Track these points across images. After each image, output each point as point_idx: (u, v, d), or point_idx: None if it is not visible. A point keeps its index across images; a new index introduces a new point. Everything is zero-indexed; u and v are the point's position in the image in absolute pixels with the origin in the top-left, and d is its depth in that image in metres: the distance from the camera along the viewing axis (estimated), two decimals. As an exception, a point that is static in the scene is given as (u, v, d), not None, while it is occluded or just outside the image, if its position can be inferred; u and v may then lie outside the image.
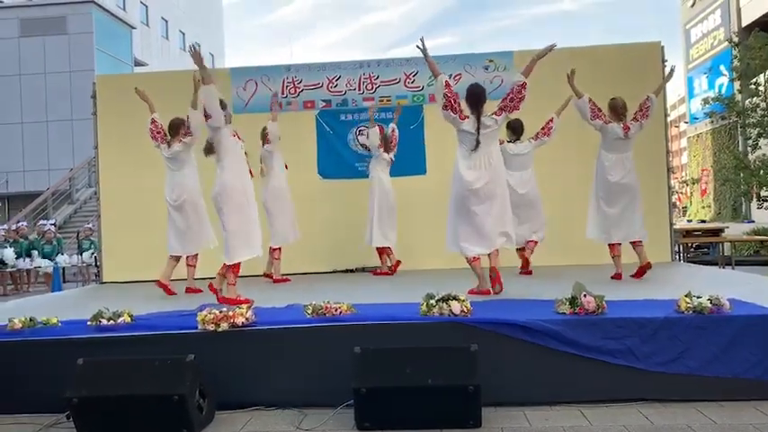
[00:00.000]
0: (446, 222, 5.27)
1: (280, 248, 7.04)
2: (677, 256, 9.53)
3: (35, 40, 23.01)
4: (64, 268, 13.51)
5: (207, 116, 5.02)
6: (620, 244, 5.95)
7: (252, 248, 5.12)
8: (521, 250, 6.52)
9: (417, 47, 5.09)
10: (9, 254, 13.19)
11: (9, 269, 13.17)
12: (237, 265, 5.13)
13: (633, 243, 5.90)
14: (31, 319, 4.01)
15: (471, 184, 4.94)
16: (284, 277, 7.10)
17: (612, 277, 5.84)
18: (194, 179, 6.09)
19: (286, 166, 7.14)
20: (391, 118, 7.84)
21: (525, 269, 6.53)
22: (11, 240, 13.62)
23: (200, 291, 6.00)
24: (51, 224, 14.73)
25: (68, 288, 11.14)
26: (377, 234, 7.20)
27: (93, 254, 13.60)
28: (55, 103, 22.60)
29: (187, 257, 6.24)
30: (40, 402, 3.68)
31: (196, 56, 4.99)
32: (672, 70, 6.57)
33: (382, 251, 7.40)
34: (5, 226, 14.89)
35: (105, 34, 23.64)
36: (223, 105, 5.14)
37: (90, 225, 15.23)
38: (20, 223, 15.02)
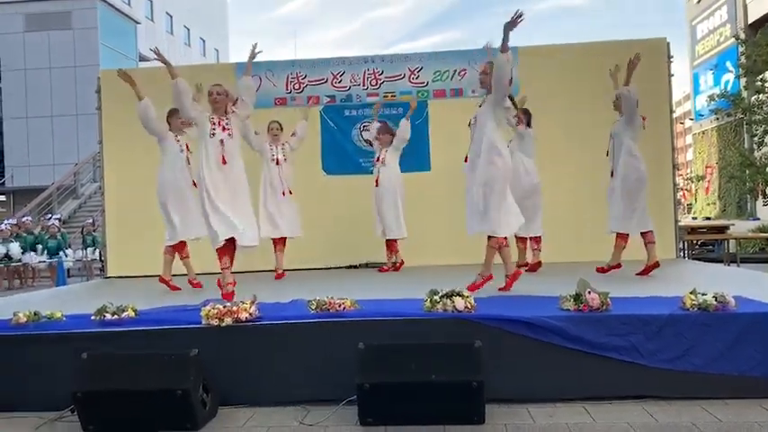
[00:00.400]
0: (492, 209, 4.85)
1: (274, 241, 6.99)
2: (682, 253, 9.51)
3: (40, 35, 23.08)
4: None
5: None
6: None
7: (214, 238, 5.07)
8: (522, 240, 6.49)
9: (507, 24, 4.54)
10: (15, 248, 13.26)
11: (14, 263, 13.24)
12: (220, 253, 5.14)
13: (646, 240, 5.88)
14: (35, 314, 4.02)
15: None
16: (279, 272, 7.02)
17: (612, 268, 5.83)
18: (168, 171, 6.02)
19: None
20: (396, 113, 7.83)
21: (534, 267, 6.49)
22: (16, 235, 13.69)
23: (200, 285, 6.01)
24: (56, 218, 14.77)
25: (73, 283, 11.16)
26: (404, 225, 7.16)
27: (95, 249, 13.66)
28: (60, 98, 22.67)
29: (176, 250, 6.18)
30: (44, 396, 3.69)
31: (159, 56, 5.20)
32: (637, 57, 5.85)
33: (394, 246, 7.36)
34: (12, 220, 14.96)
35: (110, 29, 23.69)
36: (210, 94, 5.18)
37: (90, 220, 15.27)
38: (24, 218, 15.07)
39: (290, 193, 6.99)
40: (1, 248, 13.11)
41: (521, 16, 4.47)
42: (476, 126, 4.97)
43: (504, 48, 4.54)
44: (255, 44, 5.48)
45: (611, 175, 5.98)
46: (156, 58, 5.25)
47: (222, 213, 4.99)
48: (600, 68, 6.82)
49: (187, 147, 6.11)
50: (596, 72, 6.59)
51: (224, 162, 5.03)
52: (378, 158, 7.32)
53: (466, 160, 5.03)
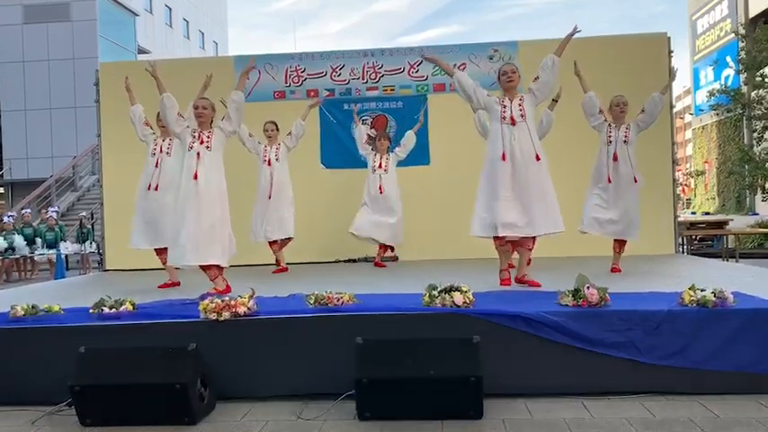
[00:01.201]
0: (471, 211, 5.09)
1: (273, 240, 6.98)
2: (681, 249, 9.51)
3: (38, 27, 22.97)
4: (67, 256, 13.57)
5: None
6: None
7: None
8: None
9: (566, 36, 5.01)
10: (19, 240, 13.27)
11: (14, 256, 13.25)
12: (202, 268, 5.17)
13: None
14: (33, 307, 4.01)
15: None
16: (280, 266, 7.04)
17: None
18: (143, 174, 6.03)
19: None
20: (395, 108, 7.81)
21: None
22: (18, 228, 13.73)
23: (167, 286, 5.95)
24: (54, 210, 14.79)
25: (71, 276, 11.16)
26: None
27: (91, 242, 13.68)
28: (58, 90, 22.59)
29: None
30: (41, 390, 3.69)
31: (153, 70, 5.27)
32: (675, 69, 6.55)
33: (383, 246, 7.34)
34: (13, 213, 14.95)
35: (109, 21, 23.59)
36: (195, 107, 5.16)
37: (84, 213, 15.29)
38: (24, 210, 15.07)
39: (285, 191, 6.88)
40: (3, 242, 13.10)
41: (576, 30, 5.01)
42: (524, 121, 4.86)
43: (559, 53, 4.98)
44: (253, 59, 5.46)
45: (607, 180, 5.87)
46: (148, 70, 5.29)
47: (184, 228, 4.94)
48: (601, 63, 6.81)
49: (161, 149, 5.98)
50: (597, 67, 6.58)
51: (195, 177, 4.96)
52: (379, 165, 7.13)
53: (504, 158, 4.80)
